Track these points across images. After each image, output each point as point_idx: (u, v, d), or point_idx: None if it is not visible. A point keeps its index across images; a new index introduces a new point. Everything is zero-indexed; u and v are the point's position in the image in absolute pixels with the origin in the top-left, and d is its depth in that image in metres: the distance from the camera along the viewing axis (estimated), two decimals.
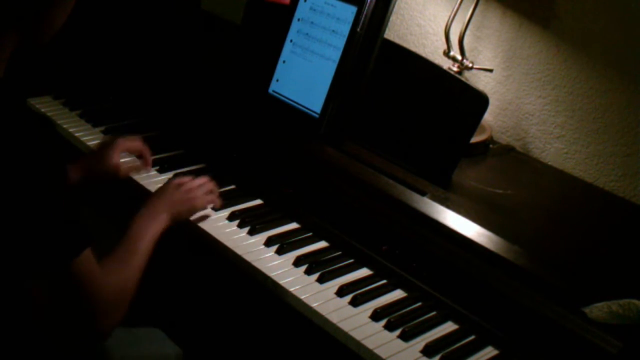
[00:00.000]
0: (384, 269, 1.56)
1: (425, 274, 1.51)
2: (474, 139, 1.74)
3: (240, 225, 1.66)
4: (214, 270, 1.67)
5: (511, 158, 1.92)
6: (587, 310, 1.32)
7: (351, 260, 1.59)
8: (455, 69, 1.89)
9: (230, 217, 1.68)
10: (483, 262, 1.46)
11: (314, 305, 1.45)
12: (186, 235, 1.66)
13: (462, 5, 1.88)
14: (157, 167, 1.85)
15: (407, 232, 1.56)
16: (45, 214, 1.18)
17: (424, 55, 1.84)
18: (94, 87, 2.18)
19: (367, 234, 1.61)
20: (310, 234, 1.66)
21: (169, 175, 1.83)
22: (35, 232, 1.18)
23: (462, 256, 1.48)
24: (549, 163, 1.92)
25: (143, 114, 2.07)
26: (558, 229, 1.61)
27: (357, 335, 1.39)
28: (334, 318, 1.43)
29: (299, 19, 1.85)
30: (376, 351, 1.36)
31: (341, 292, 1.49)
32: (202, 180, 1.70)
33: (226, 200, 1.73)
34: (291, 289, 1.49)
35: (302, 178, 1.73)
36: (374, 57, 1.75)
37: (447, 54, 1.92)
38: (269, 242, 1.61)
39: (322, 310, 1.44)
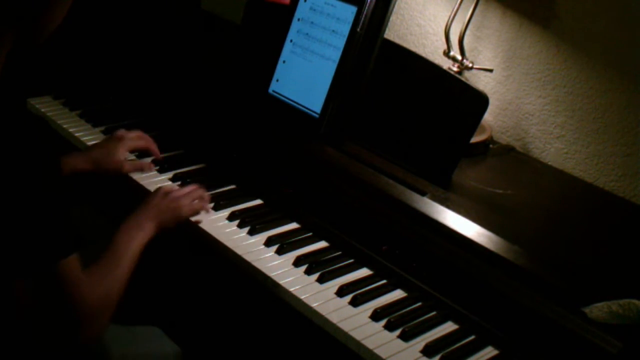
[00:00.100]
0: (384, 269, 1.56)
1: (425, 274, 1.51)
2: (474, 139, 1.74)
3: (240, 225, 1.66)
4: (214, 270, 1.67)
5: (511, 158, 1.92)
6: (587, 310, 1.32)
7: (351, 260, 1.59)
8: (455, 69, 1.89)
9: (230, 217, 1.68)
10: (483, 262, 1.46)
11: (314, 305, 1.45)
12: (186, 235, 1.66)
13: (462, 5, 1.88)
14: (157, 167, 1.85)
15: (407, 232, 1.56)
16: (36, 214, 1.18)
17: (424, 55, 1.84)
18: (94, 87, 2.18)
19: (367, 234, 1.61)
20: (310, 234, 1.66)
21: (169, 175, 1.83)
22: (24, 231, 1.18)
23: (462, 256, 1.48)
24: (549, 163, 1.92)
25: (143, 114, 2.07)
26: (558, 229, 1.61)
27: (357, 335, 1.39)
28: (334, 318, 1.43)
29: (299, 19, 1.85)
30: (376, 351, 1.36)
31: (341, 292, 1.49)
32: (190, 188, 1.69)
33: (226, 200, 1.73)
34: (291, 289, 1.49)
35: (302, 178, 1.73)
36: (374, 57, 1.75)
37: (447, 54, 1.92)
38: (269, 242, 1.61)
39: (322, 310, 1.44)
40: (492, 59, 1.98)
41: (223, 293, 1.71)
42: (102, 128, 2.02)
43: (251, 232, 1.64)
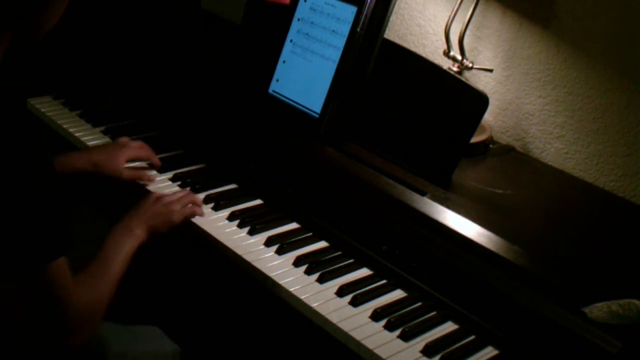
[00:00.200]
0: (384, 269, 1.56)
1: (425, 274, 1.51)
2: (474, 139, 1.74)
3: (240, 225, 1.66)
4: (214, 270, 1.67)
5: (511, 158, 1.91)
6: (587, 310, 1.32)
7: (351, 260, 1.59)
8: (455, 69, 1.89)
9: (230, 217, 1.68)
10: (483, 262, 1.46)
11: (314, 305, 1.45)
12: (186, 235, 1.66)
13: (462, 5, 1.88)
14: (155, 172, 1.85)
15: (407, 232, 1.56)
16: (27, 215, 1.17)
17: (424, 55, 1.84)
18: (94, 87, 2.18)
19: (367, 234, 1.61)
20: (310, 234, 1.66)
21: (169, 175, 1.83)
22: (13, 231, 1.17)
23: (462, 256, 1.48)
24: (549, 163, 1.92)
25: (143, 113, 2.07)
26: (558, 229, 1.61)
27: (357, 335, 1.39)
28: (334, 318, 1.43)
29: (299, 19, 1.85)
30: (376, 351, 1.36)
31: (341, 292, 1.49)
32: (182, 193, 1.69)
33: (226, 200, 1.73)
34: (291, 289, 1.49)
35: (302, 178, 1.73)
36: (374, 57, 1.75)
37: (447, 54, 1.92)
38: (269, 242, 1.61)
39: (322, 310, 1.44)
40: (492, 59, 1.98)
41: (223, 293, 1.71)
42: (102, 128, 2.02)
43: (251, 232, 1.64)
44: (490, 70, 1.95)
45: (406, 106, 1.73)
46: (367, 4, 1.73)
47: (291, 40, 1.85)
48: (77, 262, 1.38)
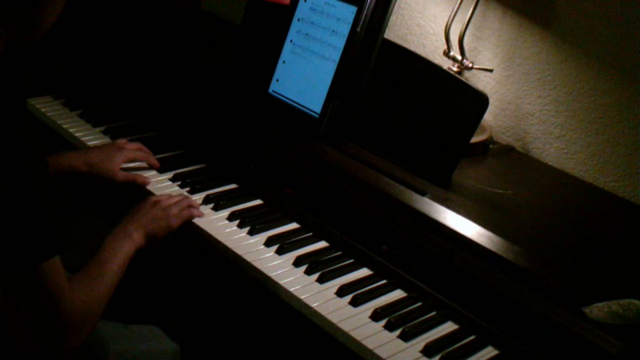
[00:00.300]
0: (384, 269, 1.56)
1: (425, 274, 1.51)
2: (474, 139, 1.74)
3: (240, 225, 1.66)
4: (214, 270, 1.67)
5: (511, 158, 1.91)
6: (587, 310, 1.32)
7: (351, 260, 1.59)
8: (455, 69, 1.89)
9: (230, 217, 1.68)
10: (483, 262, 1.46)
11: (314, 305, 1.45)
12: (186, 235, 1.66)
13: (462, 5, 1.88)
14: (154, 172, 1.85)
15: (407, 232, 1.56)
16: (19, 214, 1.17)
17: (424, 55, 1.84)
18: (94, 87, 2.18)
19: (367, 234, 1.61)
20: (310, 234, 1.66)
21: (169, 175, 1.83)
22: (6, 229, 1.16)
23: (462, 256, 1.48)
24: (549, 163, 1.92)
25: (143, 113, 2.07)
26: (558, 229, 1.61)
27: (357, 335, 1.39)
28: (334, 318, 1.43)
29: (299, 19, 1.85)
30: (376, 351, 1.36)
31: (341, 292, 1.49)
32: (180, 197, 1.69)
33: (226, 200, 1.73)
34: (291, 289, 1.49)
35: (302, 178, 1.73)
36: (374, 57, 1.75)
37: (447, 54, 1.92)
38: (269, 242, 1.61)
39: (322, 310, 1.44)
40: (492, 59, 1.98)
41: (223, 293, 1.71)
42: (102, 128, 2.02)
43: (251, 232, 1.64)
44: (490, 70, 1.95)
45: (406, 106, 1.73)
46: (367, 4, 1.73)
47: (291, 41, 1.86)
48: (76, 264, 1.38)
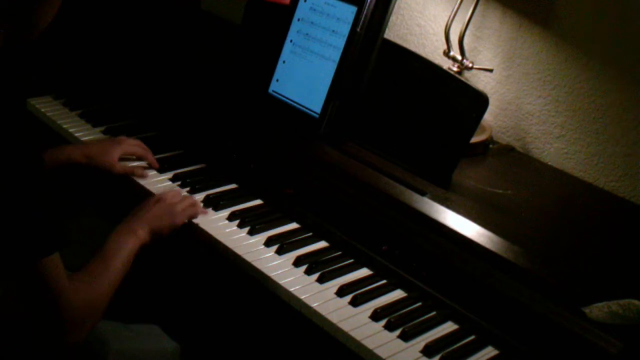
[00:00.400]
0: (384, 269, 1.56)
1: (425, 274, 1.51)
2: (474, 139, 1.74)
3: (240, 225, 1.66)
4: (214, 270, 1.67)
5: (511, 158, 1.91)
6: (587, 310, 1.32)
7: (351, 260, 1.59)
8: (455, 69, 1.89)
9: (230, 217, 1.68)
10: (483, 262, 1.46)
11: (314, 305, 1.45)
12: (186, 235, 1.66)
13: (462, 5, 1.88)
14: (154, 172, 1.85)
15: (407, 232, 1.56)
16: (19, 210, 1.17)
17: (424, 55, 1.84)
18: (94, 87, 2.18)
19: (367, 234, 1.61)
20: (310, 234, 1.66)
21: (169, 175, 1.83)
22: (6, 226, 1.17)
23: (462, 256, 1.48)
24: (549, 163, 1.92)
25: (143, 113, 2.07)
26: (558, 229, 1.61)
27: (357, 335, 1.39)
28: (334, 318, 1.43)
29: (299, 19, 1.85)
30: (376, 351, 1.36)
31: (341, 292, 1.49)
32: (183, 195, 1.69)
33: (226, 200, 1.73)
34: (291, 289, 1.49)
35: (302, 178, 1.73)
36: (374, 57, 1.75)
37: (447, 54, 1.92)
38: (269, 242, 1.61)
39: (322, 310, 1.44)
40: (492, 59, 1.98)
41: (222, 292, 1.71)
42: (102, 128, 2.02)
43: (251, 232, 1.64)
44: (490, 70, 1.95)
45: (406, 106, 1.73)
46: (367, 4, 1.73)
47: (291, 41, 1.86)
48: (76, 264, 1.38)
